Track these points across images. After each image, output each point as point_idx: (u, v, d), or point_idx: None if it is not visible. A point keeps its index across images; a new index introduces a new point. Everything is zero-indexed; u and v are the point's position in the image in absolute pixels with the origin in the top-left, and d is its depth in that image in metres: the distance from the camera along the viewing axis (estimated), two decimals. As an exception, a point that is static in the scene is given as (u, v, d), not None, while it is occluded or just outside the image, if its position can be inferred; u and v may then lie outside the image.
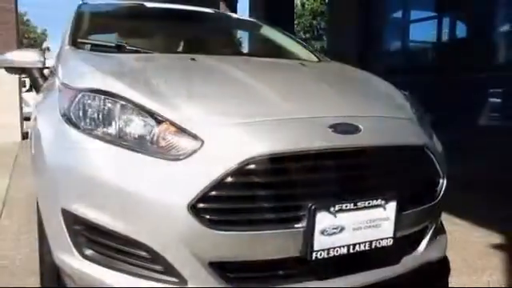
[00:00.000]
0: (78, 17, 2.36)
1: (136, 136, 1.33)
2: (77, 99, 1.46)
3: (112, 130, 1.36)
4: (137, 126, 1.35)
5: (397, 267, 1.50)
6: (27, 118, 9.24)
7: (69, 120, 1.44)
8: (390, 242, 1.41)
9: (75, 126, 1.41)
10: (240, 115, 1.35)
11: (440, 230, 1.75)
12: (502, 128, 6.78)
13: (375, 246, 1.38)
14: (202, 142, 1.27)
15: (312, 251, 1.28)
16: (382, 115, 1.56)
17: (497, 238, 2.56)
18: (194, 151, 1.26)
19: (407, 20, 9.84)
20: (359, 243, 1.35)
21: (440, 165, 1.57)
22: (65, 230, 1.38)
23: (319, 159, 1.30)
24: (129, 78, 1.54)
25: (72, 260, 1.37)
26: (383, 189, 1.38)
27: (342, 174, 1.34)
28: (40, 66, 2.21)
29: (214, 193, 1.21)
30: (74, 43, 2.07)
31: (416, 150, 1.50)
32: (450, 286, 1.98)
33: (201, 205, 1.21)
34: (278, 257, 1.30)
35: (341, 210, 1.30)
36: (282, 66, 2.11)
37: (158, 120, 1.33)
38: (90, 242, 1.35)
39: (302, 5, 19.68)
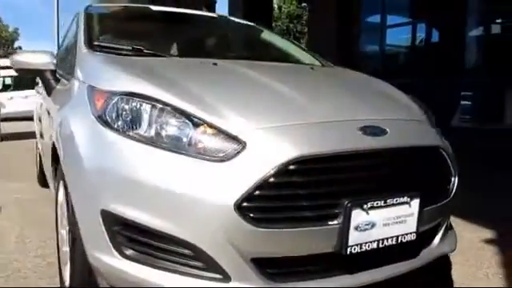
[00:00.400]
0: (89, 19, 2.36)
1: (178, 138, 1.38)
2: (113, 102, 1.49)
3: (152, 132, 1.40)
4: (178, 128, 1.39)
5: (416, 260, 1.60)
6: (4, 120, 9.04)
7: (105, 122, 1.47)
8: (414, 236, 1.51)
9: (113, 128, 1.44)
10: (278, 118, 1.42)
11: (450, 226, 1.86)
12: (471, 129, 7.08)
13: (401, 240, 1.48)
14: (245, 144, 1.33)
15: (347, 246, 1.37)
16: (402, 118, 1.66)
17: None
18: (238, 153, 1.32)
19: (384, 25, 10.14)
20: (387, 238, 1.44)
21: (452, 164, 1.68)
22: (104, 230, 1.41)
23: (352, 160, 1.39)
24: (161, 81, 1.58)
25: (111, 260, 1.40)
26: (408, 187, 1.47)
27: (373, 174, 1.42)
28: (52, 67, 2.21)
29: (257, 192, 1.28)
30: (91, 46, 2.08)
31: (433, 150, 1.61)
32: (452, 277, 2.10)
33: (245, 204, 1.27)
34: (315, 252, 1.38)
35: (372, 207, 1.39)
36: (299, 71, 2.19)
37: (199, 123, 1.38)
38: (131, 242, 1.39)
39: (279, 8, 19.88)
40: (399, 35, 10.37)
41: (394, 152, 1.47)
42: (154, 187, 1.33)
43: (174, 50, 2.40)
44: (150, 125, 1.42)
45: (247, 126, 1.37)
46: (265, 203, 1.30)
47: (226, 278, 1.32)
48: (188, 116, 1.41)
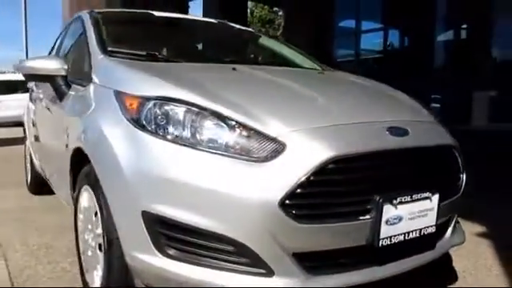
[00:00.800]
0: (97, 25, 2.38)
1: (218, 140, 1.44)
2: (149, 106, 1.54)
3: (192, 134, 1.46)
4: (217, 131, 1.45)
5: (434, 252, 1.72)
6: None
7: (142, 126, 1.51)
8: (433, 229, 1.62)
9: (151, 131, 1.49)
10: (311, 121, 1.51)
11: (457, 220, 1.99)
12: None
13: (423, 233, 1.59)
14: (284, 145, 1.41)
15: (379, 239, 1.46)
16: (418, 120, 1.78)
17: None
18: (278, 154, 1.39)
19: (358, 31, 10.46)
20: (412, 231, 1.55)
21: (461, 162, 1.81)
22: (145, 231, 1.45)
23: (382, 158, 1.49)
24: (191, 86, 1.64)
25: (152, 259, 1.45)
26: (429, 183, 1.59)
27: (399, 171, 1.53)
28: (63, 73, 2.22)
29: (299, 190, 1.36)
30: (105, 51, 2.11)
31: (447, 149, 1.73)
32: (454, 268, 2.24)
33: (288, 201, 1.35)
34: (349, 245, 1.47)
35: (400, 203, 1.49)
36: (311, 75, 2.28)
37: (239, 126, 1.45)
38: (172, 241, 1.43)
39: (251, 12, 20.09)
40: (372, 40, 10.72)
41: (417, 151, 1.59)
42: (198, 188, 1.38)
43: (184, 54, 2.44)
44: (188, 128, 1.47)
45: (284, 128, 1.45)
46: (305, 200, 1.38)
47: (270, 272, 1.39)
48: (227, 119, 1.47)
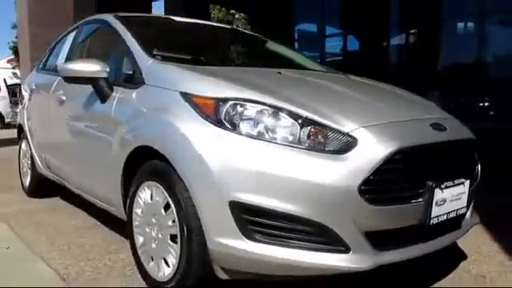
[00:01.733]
0: (132, 29, 2.48)
1: (299, 136, 1.64)
2: (227, 107, 1.70)
3: (271, 131, 1.65)
4: (294, 128, 1.65)
5: (461, 230, 2.01)
6: None
7: (223, 125, 1.68)
8: (465, 210, 1.91)
9: (235, 130, 1.66)
10: (371, 119, 1.74)
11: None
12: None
13: (458, 213, 1.87)
14: (357, 139, 1.63)
15: (430, 218, 1.73)
16: (445, 117, 2.06)
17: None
18: (353, 146, 1.61)
19: (321, 35, 10.94)
20: (451, 211, 1.83)
21: (477, 153, 2.12)
22: (232, 218, 1.62)
23: (433, 149, 1.76)
24: (259, 88, 1.82)
25: (238, 243, 1.62)
26: (462, 171, 1.88)
27: (443, 160, 1.80)
28: (105, 75, 2.31)
29: (371, 177, 1.58)
30: (152, 55, 2.23)
31: (471, 142, 2.03)
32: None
33: (364, 187, 1.57)
34: (408, 224, 1.72)
35: (446, 187, 1.76)
36: (340, 78, 2.52)
37: (316, 124, 1.66)
38: (257, 226, 1.61)
39: (230, 23, 20.35)
40: (331, 43, 11.24)
41: (454, 143, 1.87)
42: (282, 177, 1.57)
43: (222, 58, 2.60)
44: (269, 126, 1.66)
45: (354, 125, 1.67)
46: (376, 186, 1.60)
47: (347, 249, 1.61)
48: (303, 118, 1.67)
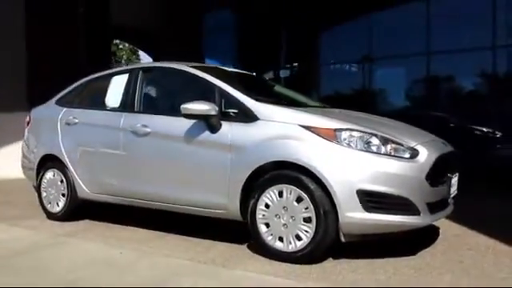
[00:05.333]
0: (220, 78, 3.37)
1: (388, 150, 2.80)
2: (344, 134, 2.79)
3: (372, 147, 2.78)
4: (389, 146, 2.81)
5: (449, 208, 3.35)
6: None
7: (340, 144, 2.76)
8: (456, 192, 3.27)
9: (349, 147, 2.76)
10: (416, 140, 2.97)
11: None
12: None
13: (454, 195, 3.22)
14: (417, 151, 2.85)
15: (449, 195, 3.04)
16: (438, 138, 3.42)
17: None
18: (417, 155, 2.83)
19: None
20: (453, 192, 3.17)
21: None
22: (357, 200, 2.69)
23: (447, 156, 3.08)
24: (350, 121, 2.95)
25: (360, 214, 2.69)
26: (456, 168, 3.24)
27: (451, 161, 3.14)
28: (214, 113, 3.15)
29: (429, 172, 2.82)
30: (253, 98, 3.17)
31: (456, 152, 3.41)
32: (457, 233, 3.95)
33: (426, 177, 2.80)
34: (440, 199, 2.98)
35: (453, 177, 3.10)
36: (368, 114, 3.73)
37: (397, 143, 2.83)
38: (372, 202, 2.70)
39: (114, 53, 20.24)
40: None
41: (452, 152, 3.23)
42: (387, 173, 2.71)
43: (284, 100, 3.65)
44: (370, 143, 2.79)
45: (414, 143, 2.89)
46: (431, 176, 2.83)
47: (419, 213, 2.78)
48: (391, 140, 2.83)
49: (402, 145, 2.85)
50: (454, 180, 3.16)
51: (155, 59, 15.65)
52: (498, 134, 8.83)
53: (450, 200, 3.26)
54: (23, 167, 4.78)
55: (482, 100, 9.58)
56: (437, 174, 2.90)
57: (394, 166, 2.76)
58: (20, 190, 6.55)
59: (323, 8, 10.45)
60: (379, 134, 2.86)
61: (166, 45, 12.89)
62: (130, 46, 22.28)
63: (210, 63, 12.59)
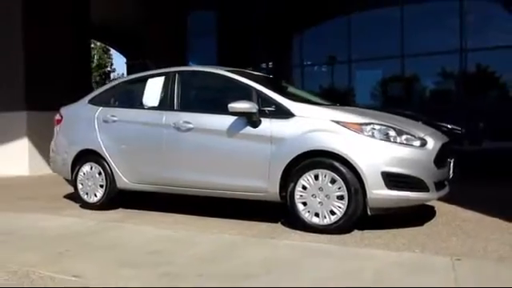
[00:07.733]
0: (254, 80, 3.95)
1: (403, 140, 3.45)
2: (369, 127, 3.43)
3: (392, 137, 3.43)
4: (404, 137, 3.47)
5: (447, 188, 4.05)
6: None
7: (365, 135, 3.40)
8: (453, 174, 3.98)
9: (373, 137, 3.40)
10: (425, 132, 3.66)
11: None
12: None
13: (451, 177, 3.93)
14: (426, 140, 3.53)
15: (449, 175, 3.74)
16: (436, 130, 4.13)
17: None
18: (426, 144, 3.50)
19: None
20: (451, 174, 3.87)
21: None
22: (381, 180, 3.33)
23: (447, 144, 3.77)
24: (371, 117, 3.59)
25: (384, 192, 3.34)
26: (452, 154, 3.95)
27: (449, 148, 3.84)
28: (255, 111, 3.71)
29: (436, 156, 3.50)
30: (287, 97, 3.77)
31: (450, 142, 4.12)
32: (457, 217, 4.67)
33: (434, 160, 3.48)
34: (444, 178, 3.67)
35: (451, 161, 3.81)
36: (373, 111, 4.39)
37: (411, 134, 3.50)
38: (393, 182, 3.35)
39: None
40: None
41: (449, 142, 3.94)
42: (403, 158, 3.37)
43: (306, 99, 4.26)
44: (390, 135, 3.44)
45: (422, 134, 3.57)
46: (438, 160, 3.51)
47: (428, 190, 3.45)
48: (405, 132, 3.48)
49: (414, 135, 3.52)
50: (452, 164, 3.87)
51: (128, 59, 15.93)
52: (462, 131, 9.88)
53: (445, 182, 3.98)
54: (53, 162, 5.12)
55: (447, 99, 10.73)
56: (441, 158, 3.59)
57: (409, 153, 3.42)
58: (30, 186, 6.86)
59: (296, 12, 11.94)
60: (395, 126, 3.52)
61: (145, 44, 13.30)
62: (101, 44, 22.28)
63: (191, 64, 13.12)
